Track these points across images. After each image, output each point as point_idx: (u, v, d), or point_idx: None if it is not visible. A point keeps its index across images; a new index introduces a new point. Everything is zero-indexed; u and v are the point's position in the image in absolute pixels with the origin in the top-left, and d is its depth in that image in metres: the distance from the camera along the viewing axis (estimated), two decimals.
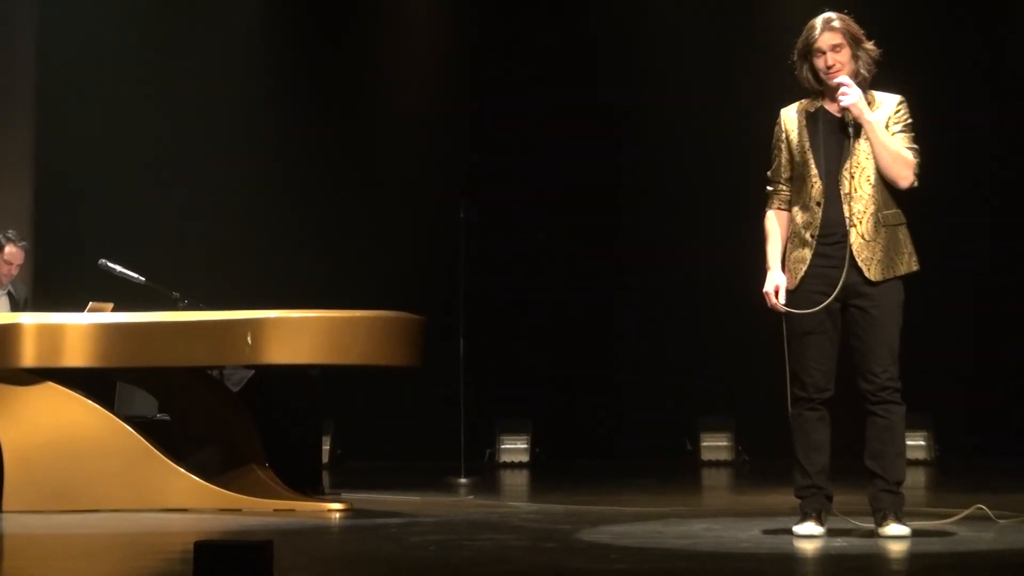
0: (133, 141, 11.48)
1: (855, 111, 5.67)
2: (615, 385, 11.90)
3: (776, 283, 5.79)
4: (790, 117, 5.88)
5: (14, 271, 8.78)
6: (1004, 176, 11.77)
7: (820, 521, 5.73)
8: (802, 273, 5.73)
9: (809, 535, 5.67)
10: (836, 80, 5.69)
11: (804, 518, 5.75)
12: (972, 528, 5.87)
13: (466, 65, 12.19)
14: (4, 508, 7.40)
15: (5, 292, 8.76)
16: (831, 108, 5.81)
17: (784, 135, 5.88)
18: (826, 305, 5.65)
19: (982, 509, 6.02)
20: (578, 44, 12.08)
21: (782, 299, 5.74)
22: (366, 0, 12.44)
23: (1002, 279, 11.63)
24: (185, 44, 11.77)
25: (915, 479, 9.64)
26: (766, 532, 5.97)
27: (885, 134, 5.70)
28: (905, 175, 5.71)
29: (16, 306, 8.75)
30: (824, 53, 5.74)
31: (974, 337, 11.58)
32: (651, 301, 11.79)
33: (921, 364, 10.88)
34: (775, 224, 5.89)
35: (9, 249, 8.72)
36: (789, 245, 5.83)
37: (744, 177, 11.41)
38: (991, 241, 11.74)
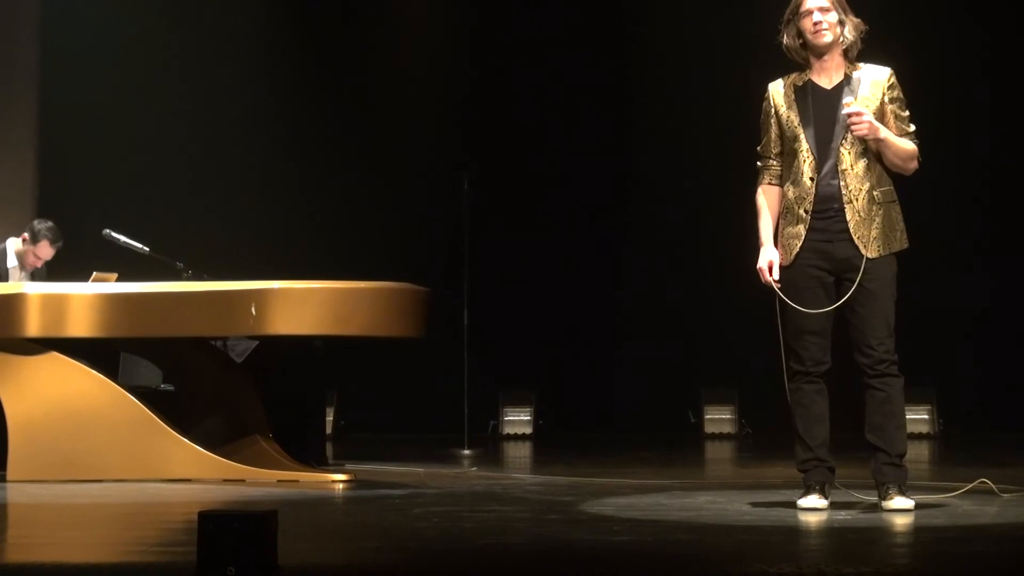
0: (137, 111, 11.47)
1: (871, 135, 5.65)
2: (619, 357, 11.91)
3: (769, 259, 5.78)
4: (779, 91, 5.86)
5: (39, 264, 8.91)
6: (1010, 148, 11.72)
7: (824, 494, 5.73)
8: (797, 249, 5.73)
9: (813, 508, 5.68)
10: (845, 111, 5.65)
11: (808, 491, 5.75)
12: (976, 502, 5.88)
13: (467, 39, 12.14)
14: (9, 477, 7.42)
15: (28, 275, 8.84)
16: (819, 81, 5.80)
17: (773, 109, 5.86)
18: (827, 311, 5.66)
19: (986, 483, 6.03)
20: (583, 16, 12.03)
21: (775, 275, 5.75)
22: None
23: (1006, 254, 11.61)
24: (187, 21, 11.72)
25: (919, 453, 9.65)
26: (770, 505, 5.98)
27: (895, 139, 5.70)
28: (912, 167, 5.78)
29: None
30: (811, 12, 5.73)
31: (979, 310, 11.56)
32: (656, 274, 11.79)
33: (925, 338, 10.94)
34: (766, 200, 5.87)
35: (43, 245, 8.86)
36: (782, 221, 5.82)
37: (749, 151, 11.40)
38: (996, 215, 11.71)
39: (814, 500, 5.71)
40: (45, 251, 8.87)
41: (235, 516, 4.02)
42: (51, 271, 8.88)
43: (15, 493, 6.97)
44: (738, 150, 10.81)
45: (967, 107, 11.57)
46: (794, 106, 5.79)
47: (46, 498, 6.71)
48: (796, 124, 5.77)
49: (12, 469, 7.45)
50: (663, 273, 11.75)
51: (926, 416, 11.10)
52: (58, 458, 7.43)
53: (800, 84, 5.82)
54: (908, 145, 5.73)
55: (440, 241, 11.05)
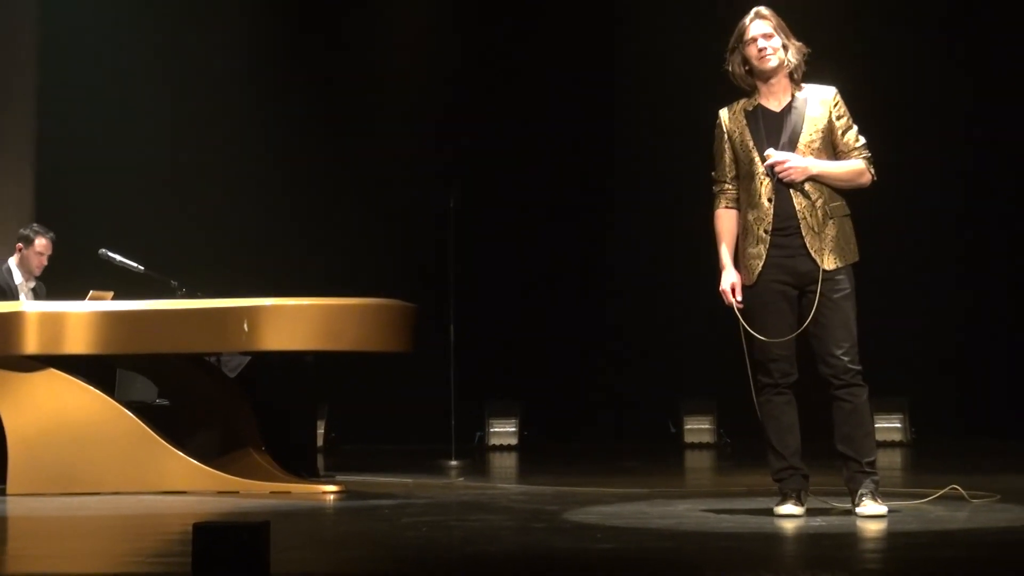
0: (131, 135, 11.47)
1: (803, 177, 5.67)
2: (602, 370, 11.92)
3: (732, 281, 5.80)
4: (730, 117, 5.88)
5: (44, 262, 8.88)
6: (980, 162, 11.74)
7: (800, 501, 5.75)
8: (759, 268, 5.73)
9: (790, 515, 5.69)
10: (768, 163, 5.69)
11: (784, 499, 5.76)
12: (947, 508, 5.89)
13: (454, 58, 12.15)
14: (8, 491, 7.41)
15: (31, 289, 8.80)
16: (768, 104, 5.83)
17: (726, 135, 5.87)
18: (793, 336, 5.68)
19: (956, 489, 6.04)
20: (567, 26, 11.96)
21: (738, 296, 5.76)
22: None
23: (978, 264, 11.64)
24: (182, 40, 11.74)
25: (891, 460, 9.67)
26: (748, 512, 5.99)
27: (831, 166, 5.73)
28: (863, 182, 5.80)
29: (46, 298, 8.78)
30: (756, 39, 5.77)
31: (951, 320, 11.59)
32: (636, 289, 11.80)
33: (896, 348, 10.97)
34: (725, 223, 5.88)
35: (39, 241, 8.83)
36: (742, 242, 5.82)
37: None
38: (969, 225, 11.75)
39: (791, 507, 5.72)
40: (42, 245, 8.84)
41: (229, 527, 4.02)
42: (48, 290, 8.85)
43: (15, 506, 6.95)
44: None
45: (945, 114, 11.60)
46: (746, 130, 5.81)
47: (45, 511, 6.70)
48: (750, 148, 5.79)
49: (12, 483, 7.43)
50: (643, 290, 11.76)
51: (898, 424, 11.12)
52: (57, 472, 7.41)
53: (750, 109, 5.84)
54: (849, 166, 5.74)
55: (427, 259, 11.05)
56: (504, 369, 11.64)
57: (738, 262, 5.81)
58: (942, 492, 6.00)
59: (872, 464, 5.70)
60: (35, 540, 5.85)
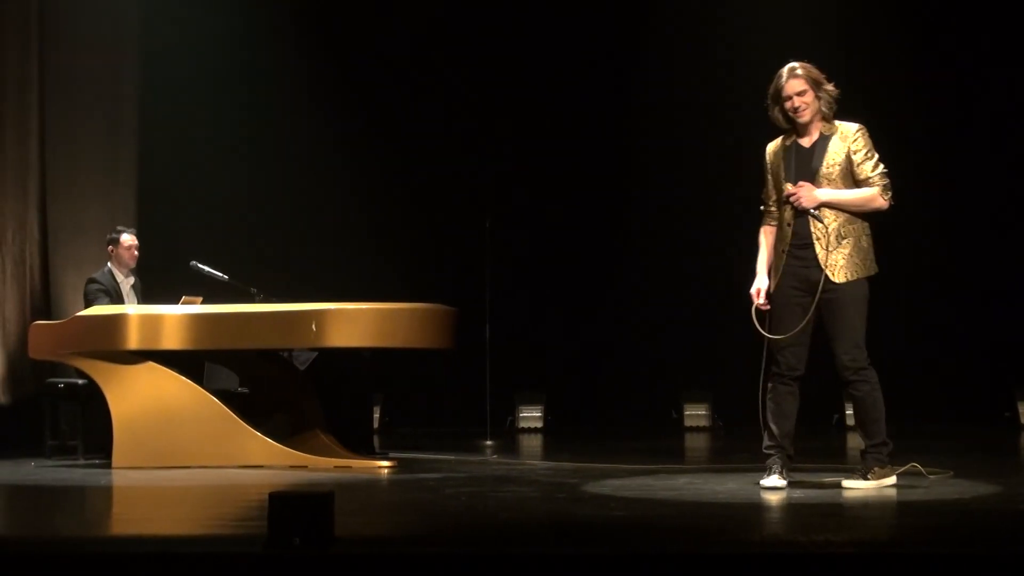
0: (216, 160, 11.38)
1: (813, 204, 5.69)
2: (615, 364, 11.88)
3: (759, 287, 5.85)
4: (770, 151, 5.94)
5: (135, 253, 8.61)
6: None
7: (783, 475, 5.74)
8: (779, 277, 5.78)
9: (773, 487, 5.68)
10: (784, 195, 5.74)
11: (769, 472, 5.75)
12: (908, 482, 5.86)
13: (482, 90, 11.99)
14: (114, 465, 7.45)
15: (132, 286, 8.67)
16: (802, 142, 5.82)
17: (768, 167, 5.93)
18: (792, 334, 5.70)
19: (916, 466, 6.02)
20: (586, 42, 11.75)
21: (762, 299, 5.79)
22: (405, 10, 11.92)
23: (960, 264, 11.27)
24: (254, 77, 11.47)
25: (858, 442, 9.60)
26: (739, 485, 5.97)
27: (842, 194, 5.72)
28: (878, 207, 5.76)
29: (140, 299, 8.64)
30: (791, 98, 5.75)
31: (904, 317, 11.29)
32: (645, 297, 11.76)
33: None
34: (764, 238, 5.95)
35: (124, 237, 8.63)
36: (774, 255, 5.88)
37: (728, 180, 11.30)
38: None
39: (775, 480, 5.71)
40: (128, 240, 8.62)
41: (299, 496, 4.03)
42: (148, 296, 8.79)
43: (119, 478, 6.99)
44: (720, 182, 10.82)
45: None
46: (781, 164, 5.85)
47: (145, 481, 6.73)
48: (781, 180, 5.83)
49: (116, 457, 7.47)
50: (651, 297, 11.71)
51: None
52: (154, 449, 7.44)
53: (788, 144, 5.87)
54: (860, 194, 5.72)
55: (467, 270, 11.03)
56: (532, 363, 11.62)
57: (771, 271, 5.85)
58: (904, 469, 5.97)
59: (875, 446, 5.73)
60: (136, 506, 5.88)
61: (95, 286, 8.41)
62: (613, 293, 11.91)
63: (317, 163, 11.69)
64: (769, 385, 5.82)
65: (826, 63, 5.89)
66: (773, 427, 5.79)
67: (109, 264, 8.58)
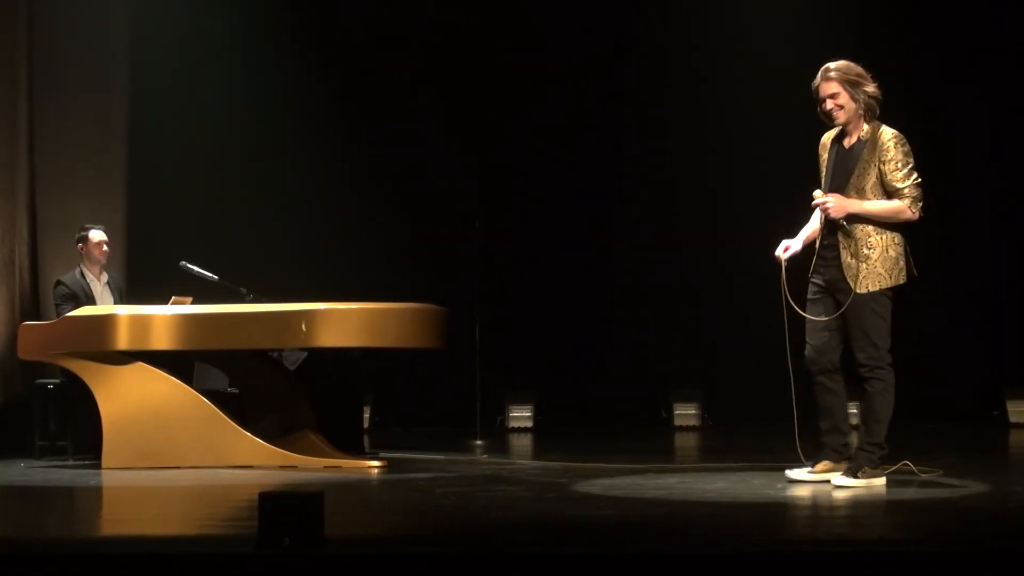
0: (205, 168, 11.34)
1: (841, 215, 5.67)
2: (605, 363, 11.86)
3: (787, 244, 5.90)
4: (822, 144, 5.94)
5: (105, 248, 8.51)
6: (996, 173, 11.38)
7: (816, 470, 5.82)
8: (811, 268, 5.86)
9: (793, 480, 5.83)
10: (813, 204, 5.76)
11: (816, 461, 5.86)
12: (899, 480, 5.87)
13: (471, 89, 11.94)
14: (103, 465, 7.43)
15: (105, 283, 8.62)
16: (845, 141, 5.79)
17: (821, 157, 5.92)
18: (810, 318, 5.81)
19: (908, 465, 6.02)
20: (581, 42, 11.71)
21: (781, 249, 5.86)
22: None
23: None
24: (245, 73, 11.43)
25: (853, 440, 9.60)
26: (728, 484, 5.97)
27: (870, 205, 5.66)
28: (906, 219, 5.70)
29: (117, 296, 8.64)
30: (824, 100, 5.72)
31: (908, 312, 11.24)
32: (635, 298, 11.75)
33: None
34: (814, 219, 5.94)
35: (93, 233, 8.52)
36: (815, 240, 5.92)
37: (724, 174, 11.31)
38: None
39: (794, 472, 5.87)
40: (98, 236, 8.48)
41: (289, 495, 4.02)
42: (136, 295, 8.74)
43: (108, 478, 6.98)
44: (712, 183, 10.81)
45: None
46: (826, 158, 5.86)
47: (134, 482, 6.72)
48: (823, 174, 5.84)
49: (106, 458, 7.45)
50: (641, 298, 11.70)
51: (855, 411, 11.01)
52: (143, 449, 7.42)
53: (835, 138, 5.84)
54: (887, 205, 5.65)
55: (457, 270, 11.01)
56: (522, 363, 11.61)
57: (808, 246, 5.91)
58: (895, 467, 5.97)
59: (871, 445, 5.73)
60: (125, 507, 5.87)
61: (61, 289, 8.32)
62: (603, 292, 11.90)
63: (307, 163, 11.67)
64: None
65: (826, 63, 5.81)
66: (819, 423, 5.91)
67: (80, 265, 8.50)
